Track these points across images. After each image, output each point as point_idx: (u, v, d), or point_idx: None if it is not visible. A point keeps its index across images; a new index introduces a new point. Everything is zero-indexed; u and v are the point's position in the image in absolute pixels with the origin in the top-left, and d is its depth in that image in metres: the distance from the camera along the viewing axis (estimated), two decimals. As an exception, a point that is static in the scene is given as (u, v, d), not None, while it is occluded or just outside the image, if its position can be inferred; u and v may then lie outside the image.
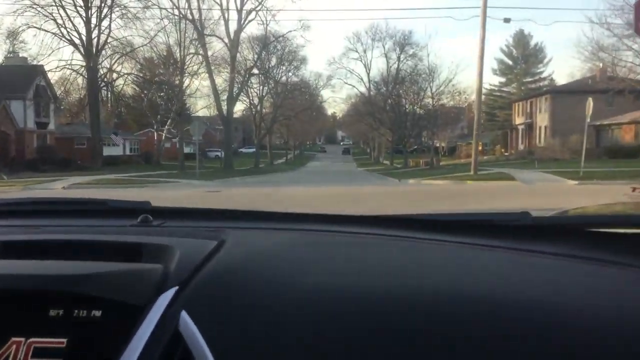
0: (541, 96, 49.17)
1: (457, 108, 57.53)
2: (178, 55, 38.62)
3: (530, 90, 63.70)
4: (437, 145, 62.05)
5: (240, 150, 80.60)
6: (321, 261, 0.95)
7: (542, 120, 47.43)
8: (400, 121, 49.55)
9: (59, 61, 56.96)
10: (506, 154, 51.41)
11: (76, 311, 0.71)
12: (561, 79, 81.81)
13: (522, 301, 0.76)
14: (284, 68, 54.91)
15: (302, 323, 0.71)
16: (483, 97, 77.68)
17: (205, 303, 0.74)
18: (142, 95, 45.58)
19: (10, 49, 40.16)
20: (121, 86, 44.71)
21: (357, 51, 63.87)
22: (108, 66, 40.16)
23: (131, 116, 60.80)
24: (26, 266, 0.81)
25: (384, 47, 61.10)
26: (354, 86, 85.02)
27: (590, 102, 22.20)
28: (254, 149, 55.51)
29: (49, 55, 37.10)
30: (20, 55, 41.19)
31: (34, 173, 29.03)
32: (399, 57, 57.30)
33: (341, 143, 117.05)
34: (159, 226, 1.20)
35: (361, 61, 66.37)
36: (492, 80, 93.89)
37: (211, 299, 0.75)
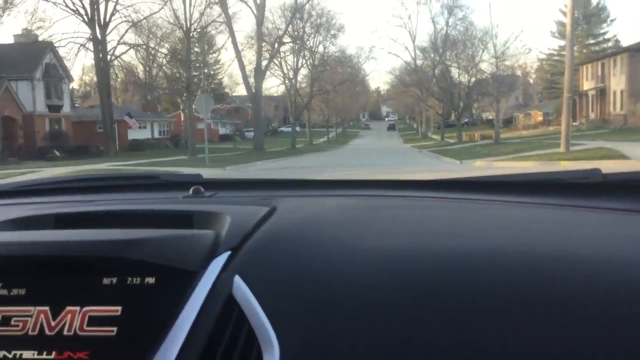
0: (616, 56, 41.01)
1: (511, 76, 49.88)
2: (189, 20, 32.22)
3: (593, 53, 55.52)
4: (490, 117, 54.73)
5: (281, 129, 75.10)
6: (374, 224, 0.91)
7: (618, 83, 39.44)
8: (451, 91, 42.46)
9: (62, 34, 51.61)
10: (575, 123, 43.63)
11: (129, 278, 0.69)
12: (627, 41, 72.28)
13: (595, 258, 0.72)
14: (320, 38, 48.36)
15: (356, 284, 0.68)
16: (541, 62, 69.40)
17: (258, 267, 0.72)
18: (156, 70, 39.85)
19: (27, 27, 34.91)
20: (131, 60, 39.16)
21: (401, 17, 56.73)
22: (116, 39, 34.50)
23: (165, 97, 55.98)
24: (79, 234, 0.80)
25: (431, 12, 53.75)
26: (398, 56, 77.72)
27: None
28: (294, 128, 49.49)
29: (49, 28, 31.66)
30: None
31: (44, 162, 24.46)
32: (447, 22, 49.84)
33: (386, 119, 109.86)
34: (211, 197, 1.18)
35: (405, 28, 59.22)
36: (550, 44, 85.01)
37: (264, 264, 0.74)
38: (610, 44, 61.21)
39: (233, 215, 0.88)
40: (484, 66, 41.79)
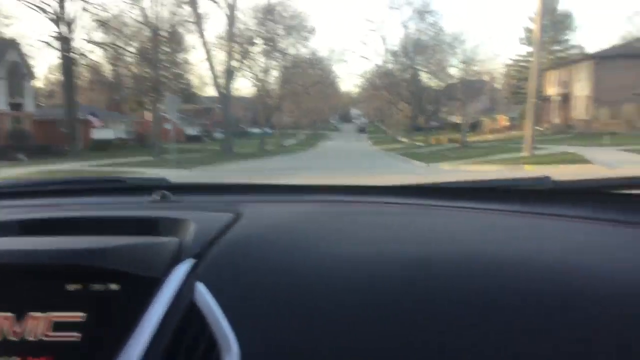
0: (580, 62, 41.91)
1: (479, 81, 50.55)
2: (157, 19, 31.72)
3: (559, 59, 56.61)
4: (458, 121, 55.35)
5: (250, 130, 74.57)
6: (338, 231, 0.91)
7: (582, 89, 40.29)
8: (421, 95, 42.80)
9: (27, 32, 50.05)
10: (539, 128, 44.42)
11: (93, 285, 0.70)
12: (591, 48, 73.96)
13: (542, 264, 0.74)
14: (292, 39, 48.19)
15: (319, 292, 0.69)
16: (508, 68, 70.57)
17: (222, 274, 0.73)
18: (124, 69, 39.06)
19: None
20: (99, 59, 38.29)
21: (372, 21, 56.92)
22: (83, 37, 33.71)
23: (132, 96, 54.99)
24: (43, 242, 0.80)
25: (402, 16, 54.13)
26: (369, 59, 78.10)
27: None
28: (264, 129, 49.13)
29: (12, 25, 30.80)
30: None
31: (3, 162, 23.66)
32: (417, 27, 50.23)
33: (356, 121, 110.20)
34: (176, 201, 1.17)
35: (377, 32, 59.38)
36: (518, 50, 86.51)
37: (227, 271, 0.74)
38: (575, 50, 62.51)
39: (198, 222, 0.88)
40: (452, 71, 42.28)
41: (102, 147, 35.31)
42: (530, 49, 63.06)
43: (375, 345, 0.62)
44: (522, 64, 65.88)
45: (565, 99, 43.32)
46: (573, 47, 63.37)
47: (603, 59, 38.76)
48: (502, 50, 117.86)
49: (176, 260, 0.74)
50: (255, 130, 61.73)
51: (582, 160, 15.92)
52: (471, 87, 41.95)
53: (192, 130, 58.96)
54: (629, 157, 16.25)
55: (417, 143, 44.45)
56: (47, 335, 0.67)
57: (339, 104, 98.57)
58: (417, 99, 43.21)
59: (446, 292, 0.68)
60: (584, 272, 0.72)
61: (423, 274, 0.72)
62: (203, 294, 0.69)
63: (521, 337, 0.61)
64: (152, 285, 0.70)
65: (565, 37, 63.48)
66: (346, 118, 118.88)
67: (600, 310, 0.64)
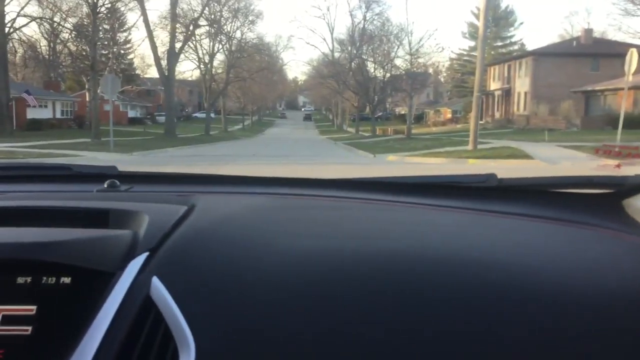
0: (521, 59, 43.00)
1: (423, 74, 51.13)
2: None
3: (501, 55, 58.06)
4: (403, 112, 55.84)
5: (195, 115, 72.85)
6: (293, 224, 0.92)
7: (522, 85, 41.45)
8: (367, 85, 42.85)
9: None
10: (481, 122, 45.36)
11: (45, 278, 0.68)
12: (531, 45, 76.19)
13: (486, 261, 0.75)
14: (238, 23, 47.16)
15: (274, 286, 0.70)
16: (451, 61, 71.71)
17: (177, 268, 0.72)
18: (61, 46, 37.13)
19: None
20: (34, 34, 36.22)
21: (320, 8, 56.57)
22: (16, 11, 31.79)
23: (70, 75, 52.50)
24: None
25: (349, 4, 53.96)
26: (316, 47, 77.67)
27: (633, 55, 15.61)
28: (209, 114, 47.97)
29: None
30: None
31: None
32: (364, 16, 50.26)
33: (302, 109, 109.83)
34: (127, 191, 1.14)
35: (324, 19, 59.11)
36: (461, 44, 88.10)
37: (182, 265, 0.73)
38: (516, 47, 64.23)
39: (151, 214, 0.86)
40: (398, 62, 42.53)
41: (38, 127, 33.57)
42: (473, 44, 64.35)
43: (330, 337, 0.63)
44: (465, 58, 67.22)
45: (507, 94, 44.44)
46: (514, 43, 65.24)
47: (542, 56, 39.97)
48: (446, 44, 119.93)
49: (131, 253, 0.73)
50: (201, 115, 60.29)
51: (524, 156, 16.16)
52: (416, 79, 42.30)
53: (134, 113, 57.08)
54: (568, 152, 16.60)
55: (363, 133, 44.58)
56: None
57: (286, 91, 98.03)
58: (363, 89, 43.21)
59: (392, 288, 0.69)
60: (526, 268, 0.73)
61: (370, 268, 0.73)
62: (158, 288, 0.68)
63: (464, 335, 0.63)
64: (106, 279, 0.69)
65: (507, 34, 65.25)
66: (293, 105, 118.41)
67: (541, 308, 0.65)
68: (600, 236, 0.91)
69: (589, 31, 42.80)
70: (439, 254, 0.77)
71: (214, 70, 47.50)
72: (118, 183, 1.15)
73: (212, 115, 50.67)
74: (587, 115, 32.55)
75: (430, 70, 55.20)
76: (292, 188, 1.23)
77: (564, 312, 0.65)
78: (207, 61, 46.13)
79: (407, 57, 39.74)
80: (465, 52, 67.72)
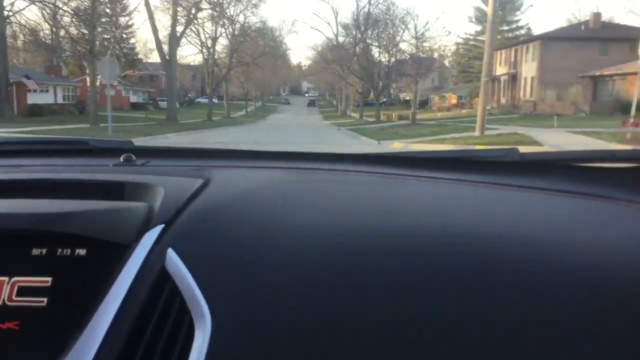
0: (528, 43, 42.09)
1: (429, 59, 50.26)
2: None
3: (507, 40, 57.04)
4: (408, 98, 55.13)
5: (198, 100, 72.19)
6: (310, 199, 0.92)
7: (529, 70, 40.59)
8: (371, 70, 42.12)
9: None
10: (487, 107, 44.61)
11: (60, 250, 0.69)
12: (538, 29, 74.98)
13: (509, 236, 0.75)
14: (241, 7, 46.32)
15: (290, 260, 0.70)
16: (457, 46, 70.63)
17: (191, 241, 0.72)
18: (63, 31, 36.43)
19: None
20: (36, 19, 35.56)
21: (323, -8, 55.46)
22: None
23: (72, 60, 51.84)
24: (7, 205, 0.77)
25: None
26: (320, 31, 76.77)
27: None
28: (213, 99, 47.32)
29: None
30: None
31: None
32: (369, 0, 49.32)
33: (306, 94, 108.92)
34: (143, 165, 1.15)
35: (328, 3, 58.14)
36: (467, 29, 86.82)
37: (197, 237, 0.73)
38: (523, 31, 63.18)
39: (166, 187, 0.86)
40: (404, 46, 41.75)
41: (38, 112, 32.97)
42: (479, 28, 63.39)
43: (347, 312, 0.63)
44: (471, 42, 66.20)
45: (513, 79, 43.62)
46: (520, 27, 64.18)
47: (549, 41, 39.06)
48: (452, 29, 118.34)
49: (145, 226, 0.73)
50: (205, 100, 59.58)
51: (533, 142, 15.59)
52: (421, 64, 41.53)
53: (137, 98, 56.44)
54: (579, 139, 15.99)
55: (367, 119, 43.91)
56: (12, 300, 0.65)
57: (290, 77, 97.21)
58: (368, 74, 42.48)
59: (413, 263, 0.69)
60: (548, 243, 0.73)
61: (390, 244, 0.72)
62: (174, 260, 0.68)
63: (489, 309, 0.62)
64: (121, 251, 0.69)
65: (514, 18, 64.13)
66: (297, 91, 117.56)
67: (565, 281, 0.65)
68: (624, 210, 0.90)
69: (597, 15, 41.82)
70: (461, 230, 0.76)
71: (216, 54, 46.78)
72: (134, 157, 1.15)
73: (215, 100, 50.11)
74: (596, 101, 31.78)
75: (436, 55, 54.35)
76: (308, 162, 1.21)
77: (588, 286, 0.65)
78: (209, 45, 45.42)
79: (413, 41, 38.98)
80: (471, 37, 66.71)
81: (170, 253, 0.68)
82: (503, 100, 44.84)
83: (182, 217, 0.76)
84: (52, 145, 1.40)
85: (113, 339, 0.60)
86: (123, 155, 1.14)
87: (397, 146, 18.14)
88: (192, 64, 66.55)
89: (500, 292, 0.63)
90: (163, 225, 0.73)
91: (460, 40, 69.49)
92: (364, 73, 42.82)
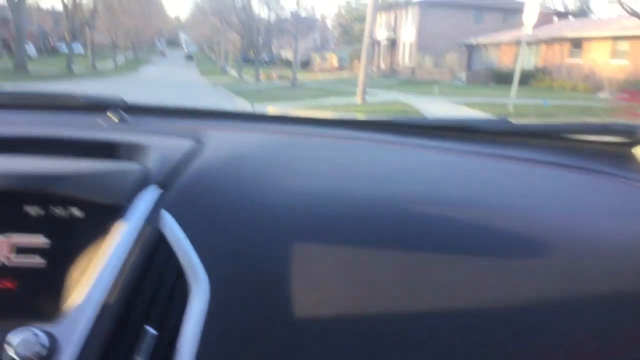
0: (407, 7, 41.62)
1: (310, 18, 48.53)
2: None
3: (385, 4, 56.75)
4: (289, 57, 53.09)
5: (62, 49, 64.83)
6: (303, 164, 0.92)
7: (408, 35, 40.23)
8: (251, 25, 39.49)
9: None
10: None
11: (56, 210, 0.68)
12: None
13: (498, 207, 0.76)
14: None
15: (285, 225, 0.70)
16: (339, 7, 69.22)
17: (187, 204, 0.71)
18: None
19: None
20: None
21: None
22: None
23: None
24: (1, 164, 0.75)
25: None
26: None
27: (534, 3, 14.10)
28: (73, 47, 42.05)
29: None
30: None
31: None
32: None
33: (184, 47, 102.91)
34: (136, 124, 1.11)
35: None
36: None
37: (192, 200, 0.72)
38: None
39: (160, 148, 0.85)
40: (284, 3, 39.43)
41: None
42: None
43: (341, 278, 0.63)
44: (353, 5, 65.23)
45: (393, 44, 43.16)
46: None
47: (428, 6, 38.75)
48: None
49: (140, 187, 0.72)
50: (75, 49, 53.22)
51: (415, 112, 14.52)
52: (303, 23, 39.63)
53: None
54: (464, 111, 15.12)
55: (248, 77, 41.43)
56: (9, 260, 0.65)
57: (166, 27, 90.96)
58: (247, 30, 39.81)
59: (406, 232, 0.69)
60: (537, 215, 0.74)
61: (383, 212, 0.73)
62: (170, 223, 0.67)
63: (477, 280, 0.63)
64: (117, 213, 0.68)
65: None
66: (175, 43, 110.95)
67: (553, 254, 0.66)
68: (614, 184, 0.90)
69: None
70: (452, 199, 0.77)
71: (78, -2, 41.36)
72: (125, 115, 1.11)
73: (78, 48, 44.75)
74: (471, 69, 32.00)
75: (318, 15, 52.66)
76: (303, 126, 1.20)
77: (575, 259, 0.66)
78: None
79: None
80: (353, -2, 65.65)
81: (165, 215, 0.67)
82: (383, 65, 44.40)
83: (177, 180, 0.74)
84: (40, 100, 1.28)
85: (109, 302, 0.60)
86: (113, 113, 1.09)
87: (271, 110, 16.33)
88: (55, 9, 59.19)
89: (488, 262, 0.64)
90: (157, 187, 0.72)
91: (343, 2, 68.26)
92: (242, 28, 40.09)
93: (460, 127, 1.15)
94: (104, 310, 0.59)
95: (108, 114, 1.10)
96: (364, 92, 17.05)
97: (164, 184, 0.73)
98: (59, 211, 0.67)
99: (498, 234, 0.68)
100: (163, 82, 32.77)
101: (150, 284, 0.62)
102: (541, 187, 0.85)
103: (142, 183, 0.72)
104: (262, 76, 39.60)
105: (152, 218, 0.67)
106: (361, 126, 1.19)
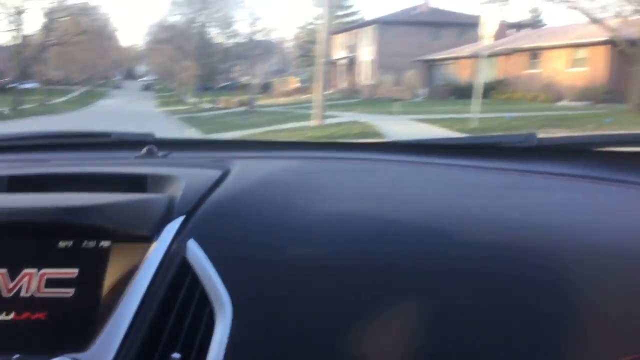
0: (366, 27, 41.41)
1: (267, 42, 47.97)
2: None
3: (343, 24, 56.71)
4: (250, 82, 52.36)
5: (22, 86, 62.64)
6: (327, 188, 0.92)
7: (367, 54, 39.93)
8: (208, 53, 38.62)
9: None
10: (327, 92, 43.28)
11: (85, 242, 0.70)
12: (371, 15, 76.42)
13: (527, 222, 0.75)
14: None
15: (310, 249, 0.70)
16: (298, 30, 69.13)
17: (212, 231, 0.73)
18: None
19: None
20: None
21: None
22: None
23: None
24: (34, 199, 0.78)
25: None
26: (149, 9, 70.57)
27: (491, 16, 13.63)
28: (34, 84, 40.43)
29: None
30: None
31: None
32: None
33: (139, 79, 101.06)
34: (164, 157, 1.16)
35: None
36: (309, 13, 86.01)
37: (218, 228, 0.74)
38: (357, 16, 63.45)
39: (187, 178, 0.86)
40: (241, 28, 38.75)
41: None
42: (320, 11, 62.58)
43: (368, 299, 0.63)
44: (310, 27, 65.13)
45: (351, 63, 42.81)
46: (356, 12, 64.52)
47: (385, 25, 38.58)
48: (293, 12, 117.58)
49: (167, 217, 0.73)
50: (33, 85, 51.27)
51: (376, 134, 13.74)
52: (260, 47, 38.93)
53: None
54: (426, 129, 14.34)
55: (205, 105, 40.37)
56: (40, 292, 0.66)
57: (122, 59, 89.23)
58: (203, 56, 38.90)
59: (432, 250, 0.68)
60: (567, 229, 0.73)
61: (409, 231, 0.72)
62: (195, 251, 0.68)
63: (510, 294, 0.62)
64: (144, 243, 0.69)
65: (348, 3, 64.24)
66: (133, 75, 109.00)
67: (583, 268, 0.65)
68: None
69: (426, 1, 42.39)
70: (480, 216, 0.76)
71: (26, 32, 39.87)
72: (156, 149, 1.14)
73: (36, 85, 43.15)
74: (431, 85, 31.65)
75: (276, 39, 52.15)
76: (326, 152, 1.21)
77: (607, 271, 0.64)
78: (15, 20, 38.46)
79: (250, 20, 36.11)
80: (312, 20, 65.64)
81: (192, 244, 0.68)
82: (343, 85, 43.93)
83: (202, 208, 0.76)
84: (75, 139, 1.35)
85: (136, 329, 0.61)
86: (145, 148, 1.13)
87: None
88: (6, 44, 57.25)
89: (516, 277, 0.63)
90: (184, 217, 0.73)
91: (302, 23, 68.20)
92: (199, 55, 39.16)
93: (487, 145, 1.14)
94: (131, 339, 0.60)
95: (142, 149, 1.12)
96: (322, 115, 16.23)
97: (190, 212, 0.74)
98: (88, 243, 0.68)
99: (529, 251, 0.67)
100: (118, 115, 31.49)
101: (176, 311, 0.63)
102: (571, 201, 0.83)
103: (169, 213, 0.73)
104: (222, 103, 38.63)
105: (178, 246, 0.68)
106: (386, 149, 1.20)
